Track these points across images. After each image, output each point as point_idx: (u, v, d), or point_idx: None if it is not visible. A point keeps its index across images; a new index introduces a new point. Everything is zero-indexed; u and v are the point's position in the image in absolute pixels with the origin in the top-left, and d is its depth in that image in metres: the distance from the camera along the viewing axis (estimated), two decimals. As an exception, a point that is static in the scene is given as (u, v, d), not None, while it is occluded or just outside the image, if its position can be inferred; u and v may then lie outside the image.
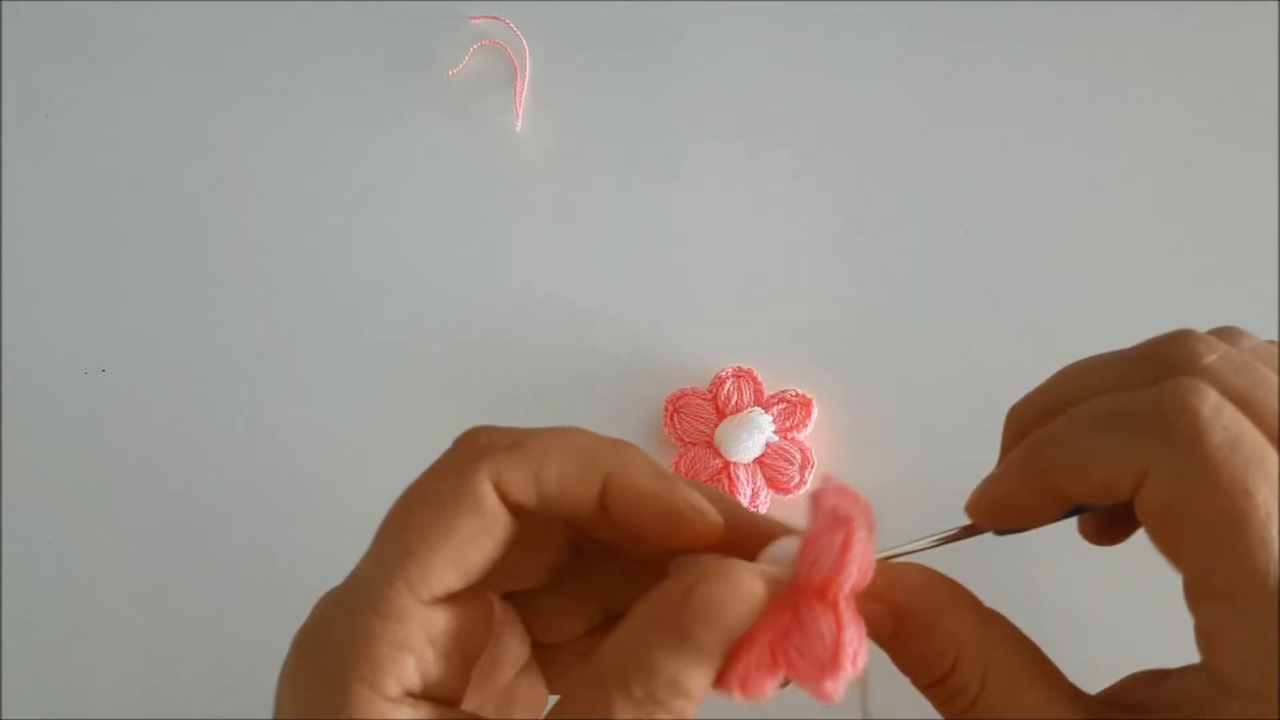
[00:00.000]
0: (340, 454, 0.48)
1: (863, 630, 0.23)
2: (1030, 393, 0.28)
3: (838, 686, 0.22)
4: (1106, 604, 0.43)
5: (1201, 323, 0.48)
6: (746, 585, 0.22)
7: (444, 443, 0.50)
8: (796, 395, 0.46)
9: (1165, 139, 0.49)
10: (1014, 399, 0.31)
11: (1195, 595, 0.23)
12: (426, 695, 0.23)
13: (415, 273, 0.50)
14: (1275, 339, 0.26)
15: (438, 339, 0.49)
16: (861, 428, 0.46)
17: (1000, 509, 0.25)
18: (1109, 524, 0.28)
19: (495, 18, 0.51)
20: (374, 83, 0.52)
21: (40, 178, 0.52)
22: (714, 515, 0.24)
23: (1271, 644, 0.21)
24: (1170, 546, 0.23)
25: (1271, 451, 0.22)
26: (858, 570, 0.22)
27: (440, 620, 0.23)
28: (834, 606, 0.22)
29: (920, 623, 0.24)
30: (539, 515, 0.24)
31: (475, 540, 0.23)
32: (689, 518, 0.24)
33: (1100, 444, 0.23)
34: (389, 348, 0.49)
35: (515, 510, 0.24)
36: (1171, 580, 0.24)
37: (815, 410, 0.46)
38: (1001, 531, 0.26)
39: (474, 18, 0.52)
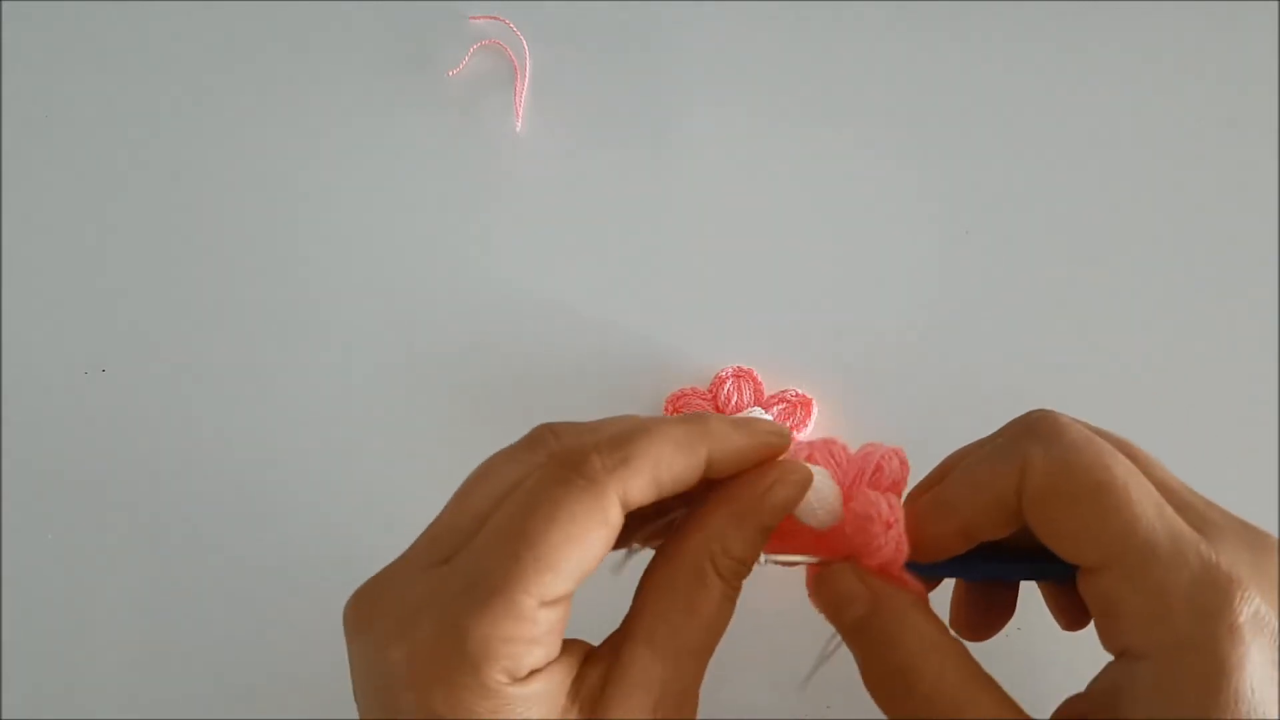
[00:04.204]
0: (340, 453, 0.48)
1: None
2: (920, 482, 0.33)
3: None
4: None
5: (1200, 322, 0.49)
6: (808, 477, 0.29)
7: (442, 443, 0.50)
8: (796, 395, 0.46)
9: (1166, 139, 0.49)
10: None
11: (1086, 578, 0.27)
12: (547, 664, 0.26)
13: (415, 273, 0.50)
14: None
15: (437, 339, 0.49)
16: (861, 428, 0.46)
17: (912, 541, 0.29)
18: (1069, 604, 0.32)
19: (495, 18, 0.51)
20: (374, 83, 0.52)
21: (40, 178, 0.52)
22: (786, 430, 0.30)
23: (1161, 594, 0.25)
24: (1054, 531, 0.27)
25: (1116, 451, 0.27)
26: (904, 557, 0.29)
27: (557, 611, 0.26)
28: (900, 580, 0.29)
29: (897, 607, 0.28)
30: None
31: (597, 552, 0.26)
32: (776, 445, 0.29)
33: (983, 463, 0.29)
34: (389, 348, 0.49)
35: (629, 512, 0.27)
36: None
37: (815, 410, 0.46)
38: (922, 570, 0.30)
39: (474, 18, 0.52)
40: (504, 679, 0.25)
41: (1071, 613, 0.32)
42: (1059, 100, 0.49)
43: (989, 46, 0.50)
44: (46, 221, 0.51)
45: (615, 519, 0.26)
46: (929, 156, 0.49)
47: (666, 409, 0.46)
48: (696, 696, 0.28)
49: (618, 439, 0.27)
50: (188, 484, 0.48)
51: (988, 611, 0.34)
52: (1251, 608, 0.25)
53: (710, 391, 0.47)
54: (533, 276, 0.49)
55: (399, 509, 0.47)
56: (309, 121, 0.52)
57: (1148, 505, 0.26)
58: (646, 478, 0.27)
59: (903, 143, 0.49)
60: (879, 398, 0.47)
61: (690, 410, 0.46)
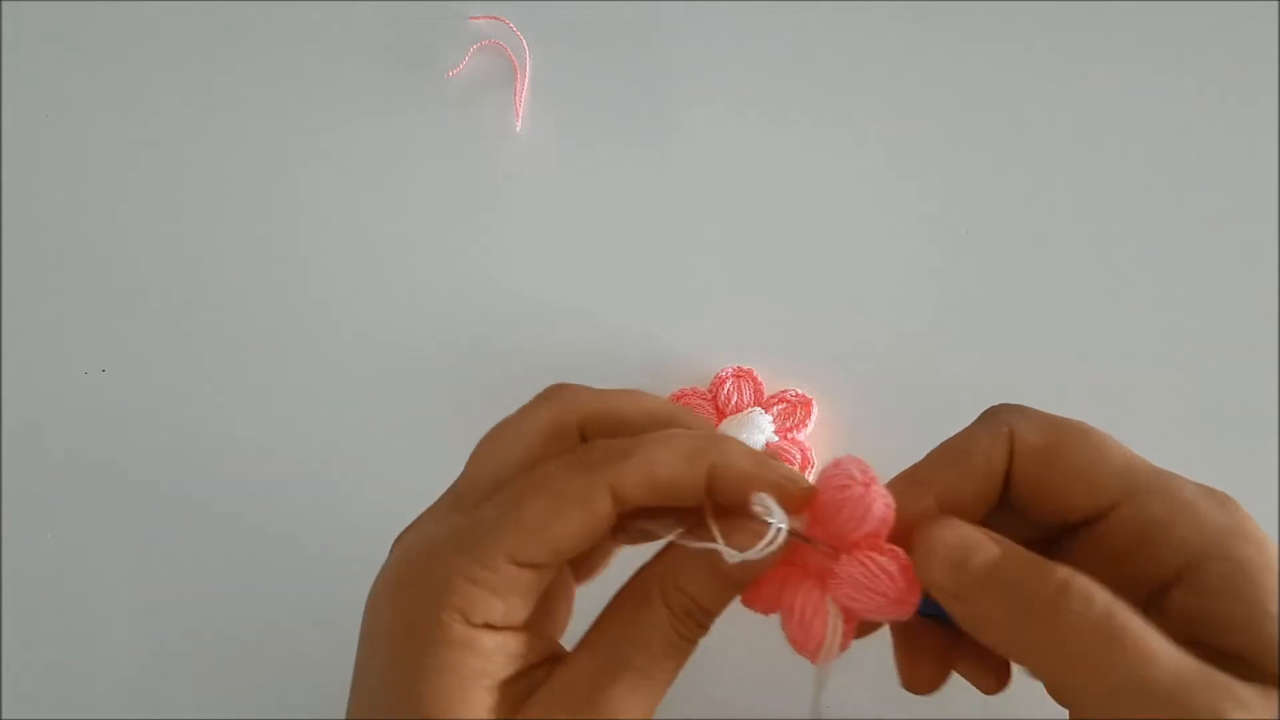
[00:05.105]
0: (340, 454, 0.48)
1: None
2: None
3: (913, 609, 0.27)
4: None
5: (1198, 322, 0.48)
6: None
7: (443, 444, 0.50)
8: (796, 395, 0.46)
9: (1166, 139, 0.49)
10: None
11: (1106, 523, 0.28)
12: (504, 626, 0.27)
13: (415, 273, 0.50)
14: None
15: (437, 339, 0.49)
16: (861, 428, 0.46)
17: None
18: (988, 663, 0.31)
19: (495, 18, 0.51)
20: (374, 83, 0.52)
21: (40, 178, 0.52)
22: (805, 482, 0.28)
23: (1187, 502, 0.27)
24: (1061, 481, 0.28)
25: None
26: (893, 516, 0.27)
27: (527, 576, 0.27)
28: (892, 552, 0.27)
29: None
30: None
31: (576, 536, 0.27)
32: (788, 489, 0.28)
33: (960, 440, 0.29)
34: (389, 348, 0.49)
35: (625, 508, 0.28)
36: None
37: (815, 410, 0.46)
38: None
39: (474, 18, 0.52)
40: (456, 616, 0.26)
41: (995, 670, 0.30)
42: (1059, 101, 0.49)
43: (989, 47, 0.50)
44: (46, 222, 0.51)
45: (601, 507, 0.27)
46: (929, 157, 0.49)
47: (666, 409, 0.46)
48: (632, 713, 0.27)
49: (630, 438, 0.28)
50: (188, 484, 0.48)
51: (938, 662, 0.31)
52: (1240, 505, 0.28)
53: (710, 391, 0.47)
54: (532, 276, 0.49)
55: (398, 508, 0.47)
56: (309, 121, 0.52)
57: (1124, 446, 0.28)
58: (641, 475, 0.27)
59: (903, 143, 0.49)
60: (879, 397, 0.47)
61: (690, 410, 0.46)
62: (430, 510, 0.31)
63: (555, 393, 0.30)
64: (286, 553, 0.47)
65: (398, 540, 0.30)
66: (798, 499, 0.28)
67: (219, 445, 0.48)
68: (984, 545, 0.27)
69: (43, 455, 0.48)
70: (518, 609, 0.27)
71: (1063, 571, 0.25)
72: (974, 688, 0.30)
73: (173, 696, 0.46)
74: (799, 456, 0.45)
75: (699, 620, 0.28)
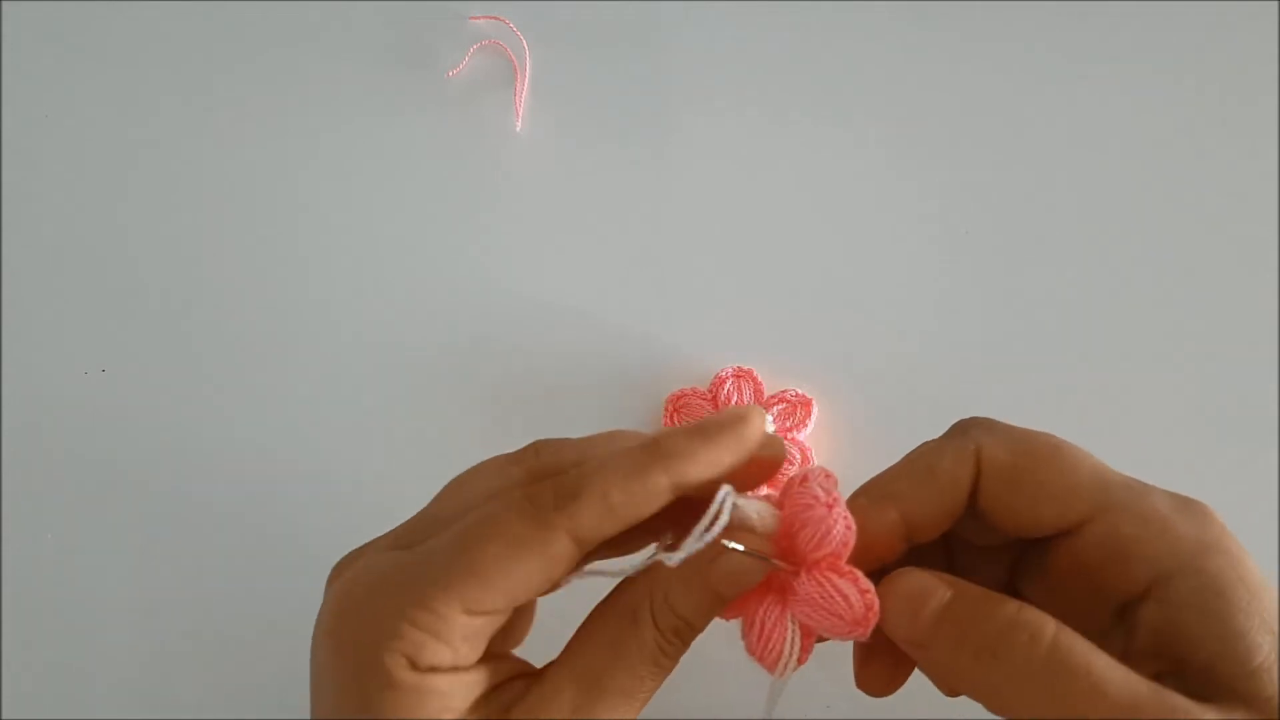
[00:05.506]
0: (340, 454, 0.48)
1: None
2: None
3: (869, 631, 0.27)
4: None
5: (1198, 322, 0.48)
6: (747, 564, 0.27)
7: (443, 444, 0.50)
8: (796, 395, 0.46)
9: (1166, 139, 0.49)
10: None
11: (1074, 540, 0.27)
12: (451, 669, 0.27)
13: (415, 273, 0.50)
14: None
15: (438, 339, 0.49)
16: (861, 428, 0.46)
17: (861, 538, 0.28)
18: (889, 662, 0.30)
19: (495, 18, 0.51)
20: (374, 83, 0.52)
21: (40, 178, 0.52)
22: (747, 413, 0.28)
23: (1158, 517, 0.26)
24: (1028, 501, 0.28)
25: None
26: (854, 538, 0.27)
27: (480, 623, 0.26)
28: (850, 574, 0.27)
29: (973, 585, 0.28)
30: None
31: (534, 581, 0.26)
32: (745, 435, 0.28)
33: (926, 455, 0.29)
34: (389, 349, 0.49)
35: (592, 545, 0.27)
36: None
37: (815, 410, 0.46)
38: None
39: (474, 18, 0.52)
40: (402, 661, 0.26)
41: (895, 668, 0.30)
42: (1059, 101, 0.49)
43: (989, 47, 0.50)
44: (46, 221, 0.51)
45: (560, 552, 0.26)
46: (929, 157, 0.49)
47: (667, 409, 0.46)
48: None
49: (575, 472, 0.27)
50: (188, 484, 0.48)
51: (895, 664, 0.30)
52: (1217, 516, 0.27)
53: (710, 391, 0.47)
54: (532, 276, 0.49)
55: (398, 508, 0.47)
56: (309, 121, 0.52)
57: (1096, 460, 0.28)
58: (596, 511, 0.26)
59: (903, 143, 0.49)
60: (879, 397, 0.47)
61: (690, 411, 0.46)
62: (370, 544, 0.29)
63: (534, 450, 0.29)
64: (286, 553, 0.47)
65: (335, 574, 0.29)
66: (756, 455, 0.28)
67: (219, 445, 0.48)
68: (937, 591, 0.27)
69: (43, 455, 0.48)
70: (466, 655, 0.27)
71: (1010, 607, 0.26)
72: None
73: (173, 696, 0.46)
74: (799, 457, 0.45)
75: (685, 638, 0.28)
